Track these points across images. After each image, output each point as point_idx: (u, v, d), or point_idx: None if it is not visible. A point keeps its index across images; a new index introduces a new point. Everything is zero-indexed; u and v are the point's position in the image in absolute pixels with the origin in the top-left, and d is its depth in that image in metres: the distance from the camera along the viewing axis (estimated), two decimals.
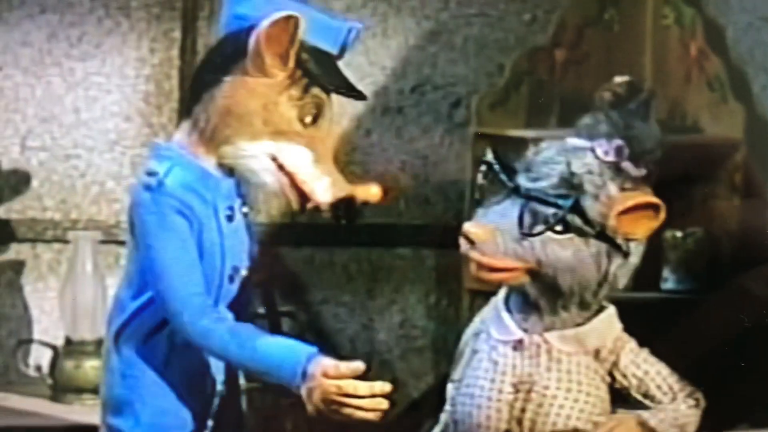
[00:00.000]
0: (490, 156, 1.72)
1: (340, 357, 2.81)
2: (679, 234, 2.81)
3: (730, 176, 2.79)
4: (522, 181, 1.71)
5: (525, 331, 1.75)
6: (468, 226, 1.71)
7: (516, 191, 1.71)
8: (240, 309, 1.65)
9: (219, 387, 1.66)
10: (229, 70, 1.58)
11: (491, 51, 2.99)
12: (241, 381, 1.71)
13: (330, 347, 3.03)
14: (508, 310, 1.76)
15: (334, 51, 1.61)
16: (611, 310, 1.77)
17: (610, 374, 1.75)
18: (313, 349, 1.56)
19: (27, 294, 2.90)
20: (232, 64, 1.58)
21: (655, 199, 1.70)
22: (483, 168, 1.73)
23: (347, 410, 1.52)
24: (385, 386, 1.54)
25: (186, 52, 2.90)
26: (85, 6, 2.91)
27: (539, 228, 1.69)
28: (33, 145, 2.93)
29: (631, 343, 1.76)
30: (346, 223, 1.61)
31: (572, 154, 1.71)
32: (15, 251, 2.89)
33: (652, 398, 1.74)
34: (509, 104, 2.90)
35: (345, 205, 1.64)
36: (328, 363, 1.53)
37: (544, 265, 1.70)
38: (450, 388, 1.79)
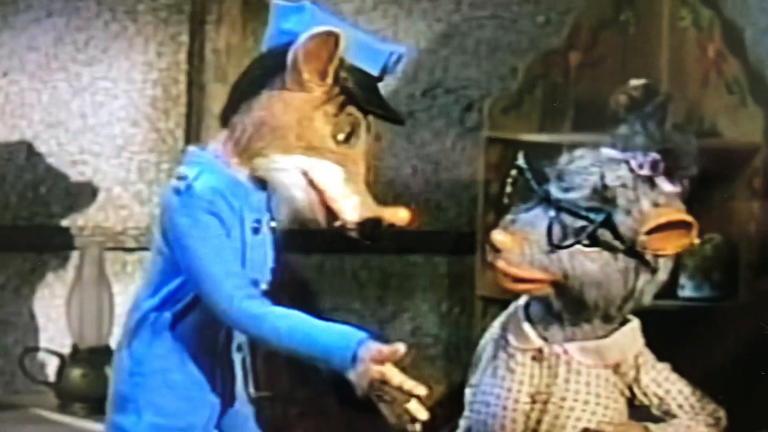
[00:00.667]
0: (521, 161, 1.69)
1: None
2: (696, 240, 2.77)
3: (749, 181, 2.76)
4: (553, 189, 1.68)
5: (545, 340, 1.72)
6: (495, 234, 1.68)
7: (547, 200, 1.68)
8: None
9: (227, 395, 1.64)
10: (269, 83, 1.59)
11: (504, 54, 2.96)
12: (251, 390, 1.69)
13: None
14: (528, 318, 1.73)
15: (375, 72, 1.62)
16: (634, 324, 1.74)
17: (630, 389, 1.72)
18: (364, 334, 1.55)
19: (33, 302, 2.87)
20: (272, 78, 1.59)
21: (687, 217, 1.68)
22: (513, 173, 1.70)
23: (389, 398, 1.51)
24: (419, 388, 1.52)
25: (193, 56, 2.88)
26: (91, 10, 2.89)
27: (569, 241, 1.66)
28: (39, 150, 2.91)
29: (652, 359, 1.73)
30: (372, 243, 1.61)
31: (606, 165, 1.67)
32: (21, 258, 2.86)
33: (673, 417, 1.71)
34: (522, 108, 2.88)
35: (372, 225, 1.63)
36: (375, 347, 1.52)
37: (571, 278, 1.67)
38: (468, 393, 1.77)
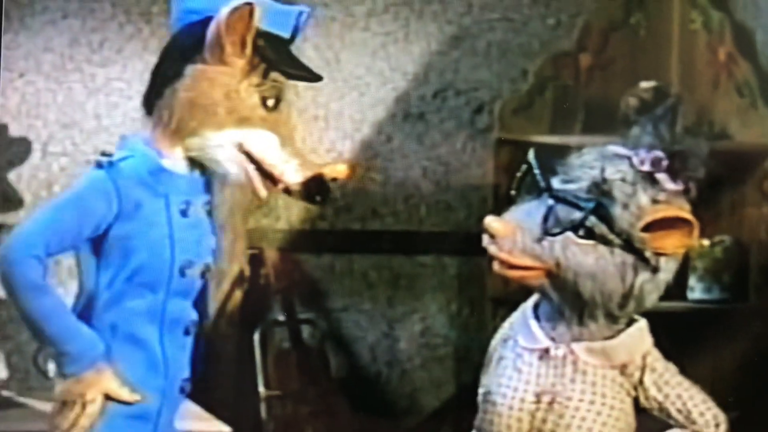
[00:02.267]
0: (531, 156, 1.70)
1: (360, 366, 2.77)
2: (706, 242, 2.77)
3: (760, 183, 2.76)
4: (555, 182, 1.69)
5: (552, 340, 1.72)
6: (489, 220, 1.69)
7: (547, 191, 1.68)
8: (203, 305, 1.65)
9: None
10: (188, 62, 1.60)
11: (514, 56, 2.97)
12: (261, 389, 1.69)
13: (350, 355, 3.01)
14: (537, 318, 1.73)
15: (287, 35, 1.62)
16: (642, 324, 1.73)
17: (636, 390, 1.71)
18: (102, 351, 1.57)
19: None
20: (191, 57, 1.60)
21: (685, 215, 1.66)
22: (523, 168, 1.70)
23: (74, 410, 1.56)
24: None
25: None
26: (106, 12, 2.90)
27: (561, 228, 1.66)
28: (54, 150, 2.92)
29: (657, 362, 1.72)
30: (321, 201, 1.61)
31: (608, 160, 1.68)
32: None
33: (675, 420, 1.70)
34: (533, 110, 2.88)
35: (315, 184, 1.63)
36: (108, 378, 1.57)
37: (563, 268, 1.66)
38: (480, 392, 1.77)
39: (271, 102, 1.61)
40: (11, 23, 2.85)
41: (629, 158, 1.68)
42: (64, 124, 2.92)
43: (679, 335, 2.52)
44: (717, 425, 1.70)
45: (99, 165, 1.60)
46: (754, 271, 2.78)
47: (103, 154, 1.60)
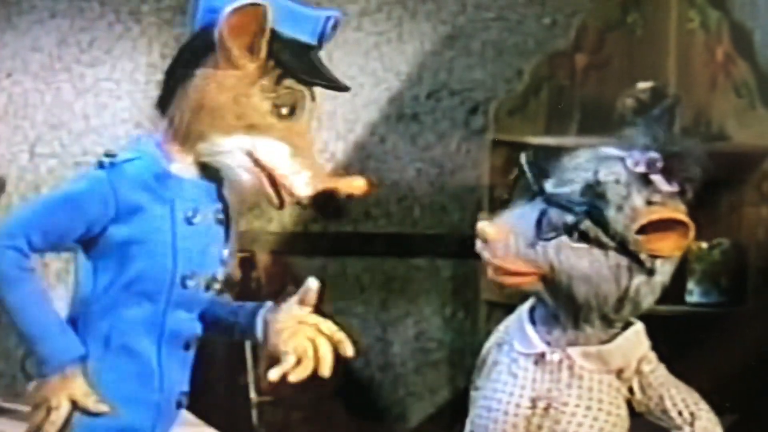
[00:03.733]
0: (524, 158, 1.68)
1: (353, 370, 2.74)
2: (704, 245, 2.75)
3: (758, 185, 2.74)
4: (548, 185, 1.67)
5: (548, 344, 1.70)
6: (482, 225, 1.67)
7: (540, 195, 1.66)
8: (210, 321, 1.61)
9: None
10: (200, 64, 1.55)
11: (510, 56, 2.94)
12: (252, 395, 1.65)
13: (342, 360, 2.99)
14: (533, 322, 1.71)
15: (312, 41, 1.57)
16: (638, 327, 1.70)
17: (630, 394, 1.70)
18: (79, 355, 1.53)
19: None
20: (203, 58, 1.55)
21: (680, 216, 1.63)
22: (516, 170, 1.69)
23: (37, 417, 1.53)
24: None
25: None
26: (95, 11, 2.88)
27: (555, 233, 1.64)
28: (42, 152, 2.90)
29: (646, 365, 1.69)
30: (334, 217, 1.56)
31: (602, 162, 1.65)
32: None
33: (663, 422, 1.68)
34: (528, 110, 2.86)
35: (326, 199, 1.59)
36: (76, 385, 1.52)
37: (557, 271, 1.64)
38: (472, 395, 1.74)
39: (285, 110, 1.55)
40: None
41: (623, 159, 1.65)
42: (52, 125, 2.89)
43: (677, 339, 2.50)
44: (691, 423, 1.66)
45: (100, 165, 1.55)
46: (752, 274, 2.76)
47: (107, 154, 1.55)
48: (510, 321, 1.75)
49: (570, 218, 1.63)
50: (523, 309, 1.74)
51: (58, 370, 1.52)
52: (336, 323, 1.66)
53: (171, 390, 1.58)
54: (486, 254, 1.67)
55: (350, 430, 2.89)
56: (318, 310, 1.65)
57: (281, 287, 2.89)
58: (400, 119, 2.96)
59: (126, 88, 2.90)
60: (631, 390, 1.69)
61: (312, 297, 1.61)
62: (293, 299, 1.61)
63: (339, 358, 1.62)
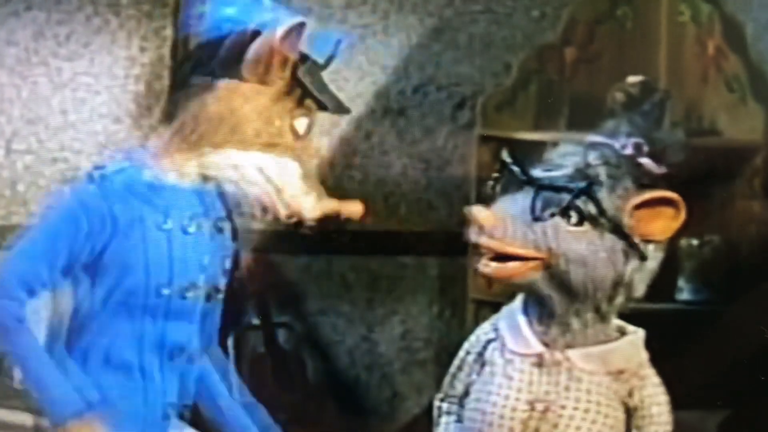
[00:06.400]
0: (505, 155, 1.67)
1: (338, 370, 2.69)
2: (695, 242, 2.74)
3: (749, 180, 2.74)
4: (536, 172, 1.66)
5: (545, 345, 1.67)
6: (476, 210, 1.63)
7: (529, 182, 1.64)
8: (211, 330, 1.59)
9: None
10: (223, 74, 1.54)
11: (498, 49, 2.92)
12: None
13: (328, 360, 2.96)
14: (527, 320, 1.68)
15: (322, 61, 1.59)
16: (641, 334, 1.70)
17: (630, 397, 1.68)
18: (84, 405, 1.55)
19: None
20: (227, 69, 1.54)
21: (673, 195, 1.63)
22: (498, 167, 1.67)
23: None
24: None
25: (178, 50, 2.83)
26: (72, 3, 2.84)
27: (550, 211, 1.62)
28: (19, 148, 2.85)
29: (651, 376, 1.68)
30: (336, 239, 1.56)
31: (590, 147, 1.66)
32: None
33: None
34: (516, 105, 2.84)
35: (331, 222, 1.62)
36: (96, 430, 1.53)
37: (556, 254, 1.62)
38: (442, 406, 1.72)
39: (302, 130, 1.56)
40: None
41: (610, 145, 1.66)
42: (29, 120, 2.85)
43: (667, 336, 2.48)
44: None
45: (90, 179, 1.54)
46: (743, 272, 2.75)
47: (96, 167, 1.54)
48: (497, 319, 1.72)
49: (565, 196, 1.62)
50: (515, 307, 1.71)
51: (74, 417, 1.52)
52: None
53: (155, 402, 1.57)
54: (482, 239, 1.63)
55: (337, 430, 2.86)
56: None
57: (264, 286, 2.86)
58: (386, 114, 2.94)
59: (104, 83, 2.86)
60: (630, 393, 1.67)
61: None
62: None
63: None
